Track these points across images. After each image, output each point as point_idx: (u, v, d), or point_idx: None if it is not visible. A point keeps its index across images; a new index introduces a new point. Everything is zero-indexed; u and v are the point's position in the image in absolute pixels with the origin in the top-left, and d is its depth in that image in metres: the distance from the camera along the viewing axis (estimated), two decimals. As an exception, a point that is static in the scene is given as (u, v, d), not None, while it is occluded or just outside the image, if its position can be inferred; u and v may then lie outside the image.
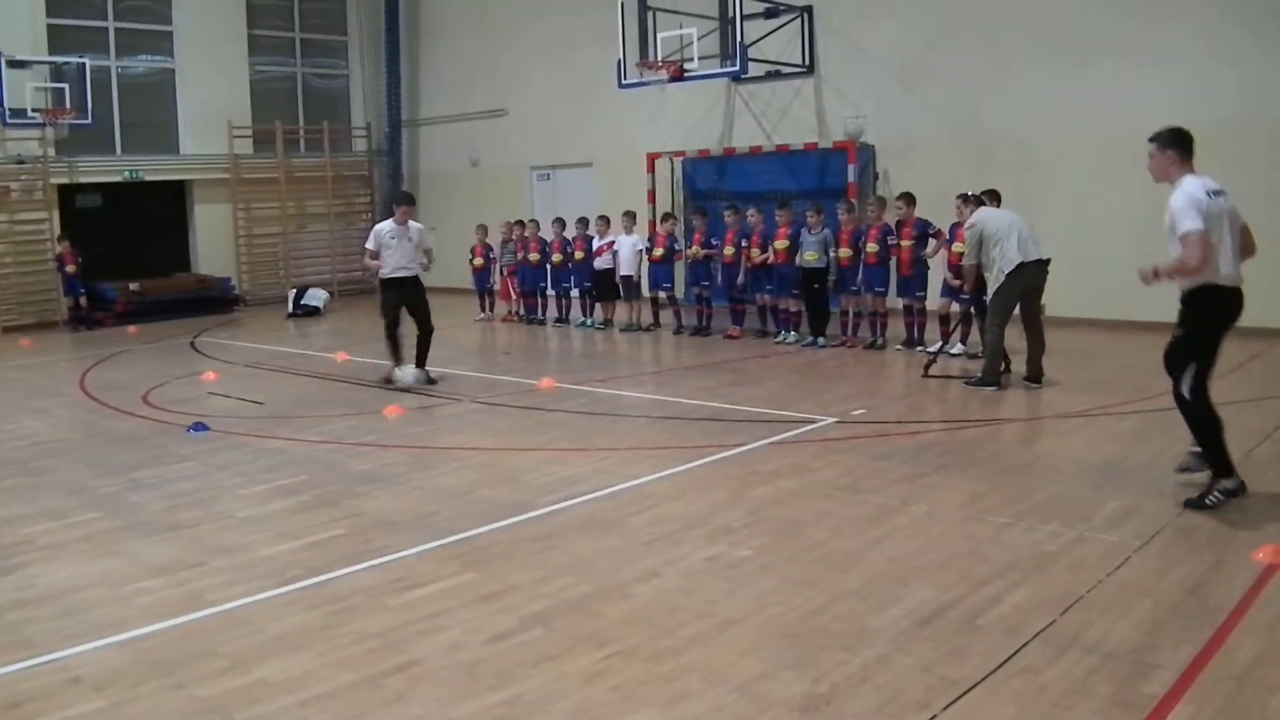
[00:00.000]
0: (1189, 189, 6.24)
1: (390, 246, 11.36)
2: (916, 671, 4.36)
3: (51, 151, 19.13)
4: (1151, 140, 6.54)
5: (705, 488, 7.27)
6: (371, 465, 8.20)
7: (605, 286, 15.97)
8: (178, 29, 20.91)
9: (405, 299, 11.51)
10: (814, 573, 5.53)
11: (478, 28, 21.91)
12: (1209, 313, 6.38)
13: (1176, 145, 6.45)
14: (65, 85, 18.68)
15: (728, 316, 14.76)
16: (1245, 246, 6.55)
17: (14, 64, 17.86)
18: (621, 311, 15.98)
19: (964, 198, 11.46)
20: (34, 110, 18.17)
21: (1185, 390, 6.41)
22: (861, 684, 4.26)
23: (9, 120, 17.99)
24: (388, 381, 11.53)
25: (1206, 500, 6.38)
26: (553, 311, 17.12)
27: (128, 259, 19.78)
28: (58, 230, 18.91)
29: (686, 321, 15.25)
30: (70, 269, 18.29)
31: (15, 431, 10.00)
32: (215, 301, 20.45)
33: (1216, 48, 13.10)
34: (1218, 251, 6.24)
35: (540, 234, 16.98)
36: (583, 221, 16.33)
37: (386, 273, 11.44)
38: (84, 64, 18.87)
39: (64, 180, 19.40)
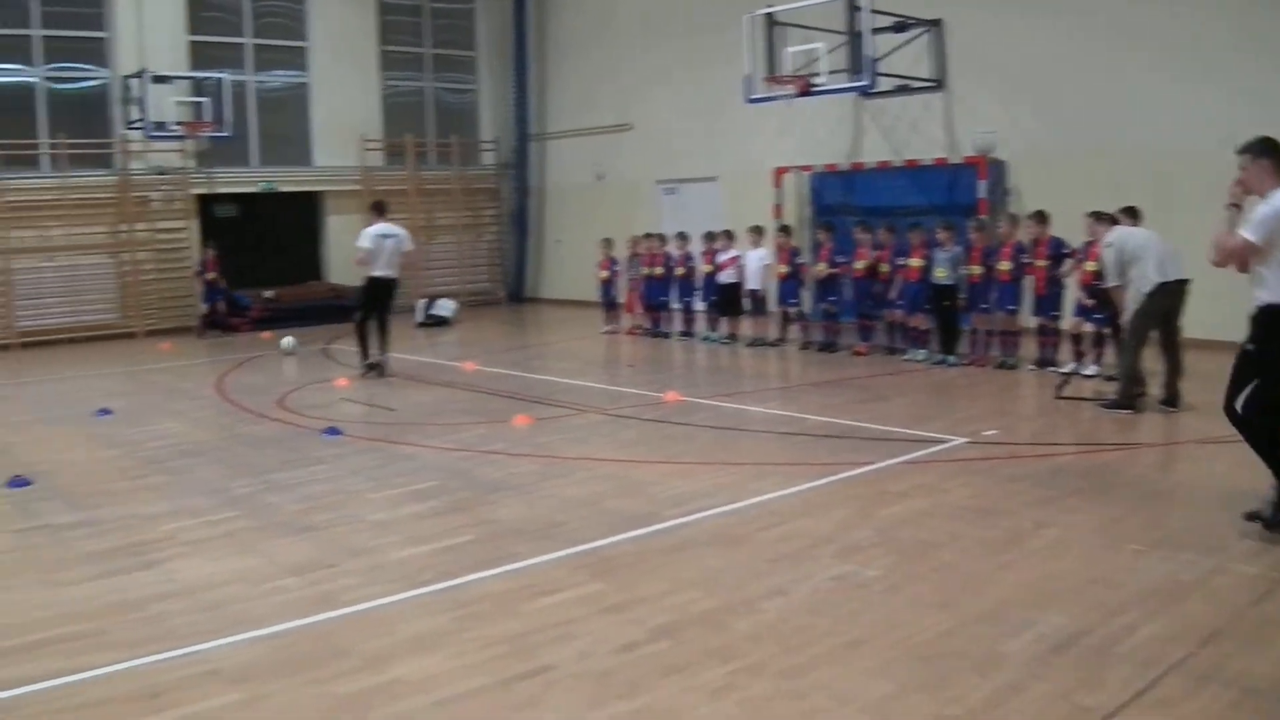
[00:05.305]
0: None
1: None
2: (1051, 699, 4.27)
3: (191, 163, 19.85)
4: (1243, 151, 6.11)
5: (833, 506, 7.21)
6: (501, 473, 8.31)
7: (730, 301, 15.96)
8: (312, 45, 21.54)
9: None
10: (944, 595, 5.46)
11: (603, 42, 22.15)
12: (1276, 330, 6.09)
13: (1272, 154, 6.04)
14: (205, 99, 19.37)
15: (856, 333, 14.61)
16: None
17: (158, 79, 18.55)
18: (747, 326, 15.94)
19: (1096, 215, 11.19)
20: (176, 123, 18.85)
21: (1239, 404, 6.13)
22: (994, 709, 4.19)
23: (152, 134, 18.66)
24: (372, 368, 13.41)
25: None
26: (678, 325, 17.15)
27: (262, 267, 20.44)
28: (197, 239, 19.64)
29: (813, 337, 15.14)
30: (210, 275, 18.99)
31: (156, 431, 10.39)
32: (347, 310, 20.67)
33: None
34: None
35: (666, 248, 17.04)
36: (708, 236, 16.36)
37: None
38: (223, 79, 19.57)
39: (203, 191, 20.10)
